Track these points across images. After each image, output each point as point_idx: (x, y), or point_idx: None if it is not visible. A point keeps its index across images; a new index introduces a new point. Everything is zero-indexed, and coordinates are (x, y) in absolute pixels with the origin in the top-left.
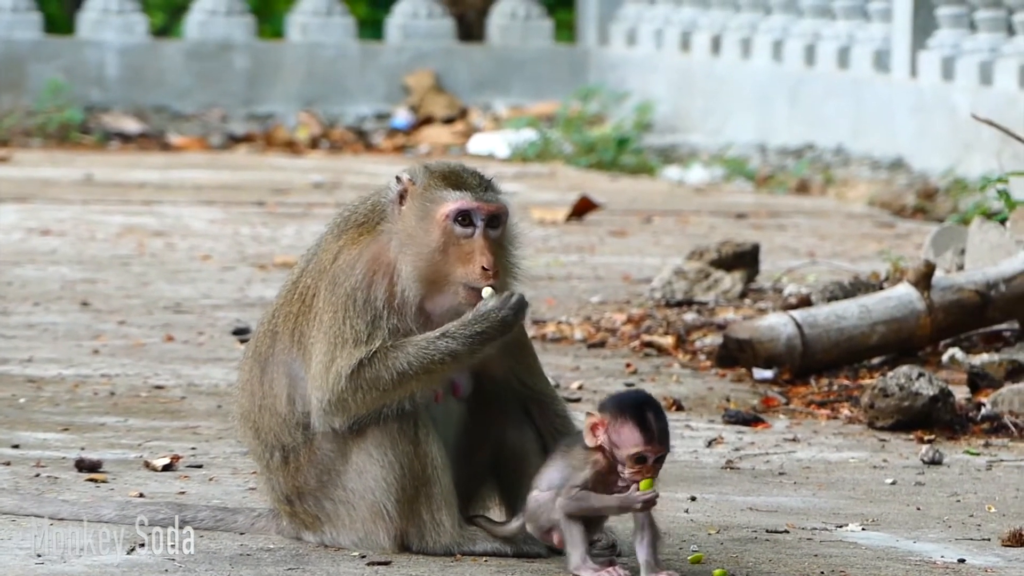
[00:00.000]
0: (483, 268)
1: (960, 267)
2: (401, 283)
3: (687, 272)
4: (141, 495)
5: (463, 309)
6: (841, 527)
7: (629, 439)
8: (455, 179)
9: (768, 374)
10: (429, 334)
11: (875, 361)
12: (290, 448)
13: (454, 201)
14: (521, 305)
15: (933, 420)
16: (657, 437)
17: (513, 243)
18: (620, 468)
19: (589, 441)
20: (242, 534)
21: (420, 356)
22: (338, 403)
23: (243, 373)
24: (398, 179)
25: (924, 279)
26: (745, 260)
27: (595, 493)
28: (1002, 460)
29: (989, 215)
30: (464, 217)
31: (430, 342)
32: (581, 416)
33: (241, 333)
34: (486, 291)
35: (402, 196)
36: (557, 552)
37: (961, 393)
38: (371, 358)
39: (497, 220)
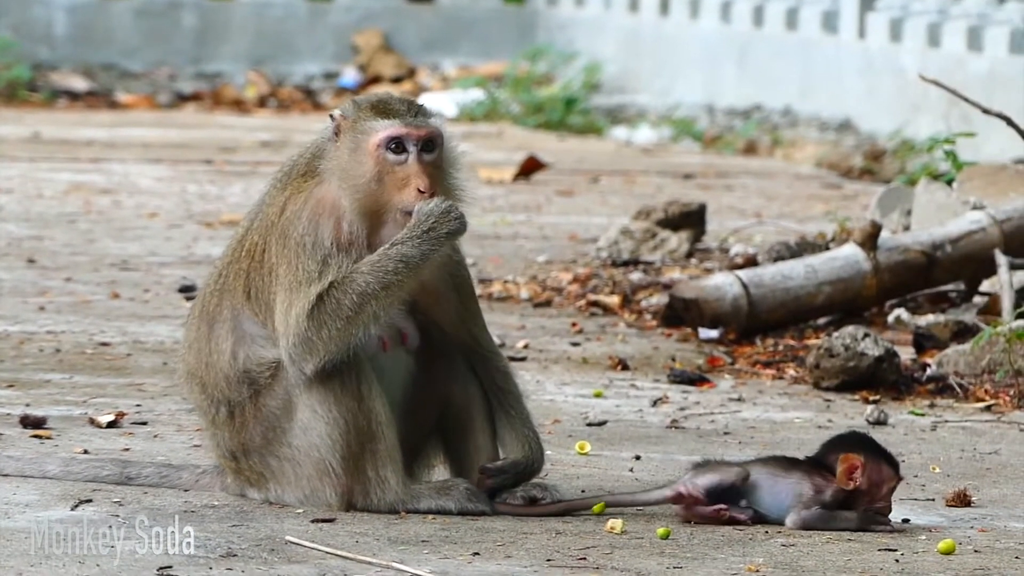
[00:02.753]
0: (418, 191)
1: (907, 228)
2: (347, 220)
3: (634, 232)
4: (86, 451)
5: None
6: None
7: (888, 475)
8: (384, 108)
9: (714, 334)
10: (380, 249)
11: (821, 321)
12: (236, 404)
13: (384, 129)
14: (456, 209)
15: (878, 380)
16: (897, 470)
17: (452, 166)
18: (866, 502)
19: (845, 484)
20: (187, 491)
21: (374, 271)
22: (304, 344)
23: (190, 330)
24: (332, 117)
25: (870, 240)
26: (692, 220)
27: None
28: (947, 421)
29: (936, 176)
30: (396, 144)
31: (381, 255)
32: (526, 375)
33: (187, 291)
34: (429, 201)
35: (337, 133)
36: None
37: (906, 354)
38: (328, 290)
39: (431, 144)
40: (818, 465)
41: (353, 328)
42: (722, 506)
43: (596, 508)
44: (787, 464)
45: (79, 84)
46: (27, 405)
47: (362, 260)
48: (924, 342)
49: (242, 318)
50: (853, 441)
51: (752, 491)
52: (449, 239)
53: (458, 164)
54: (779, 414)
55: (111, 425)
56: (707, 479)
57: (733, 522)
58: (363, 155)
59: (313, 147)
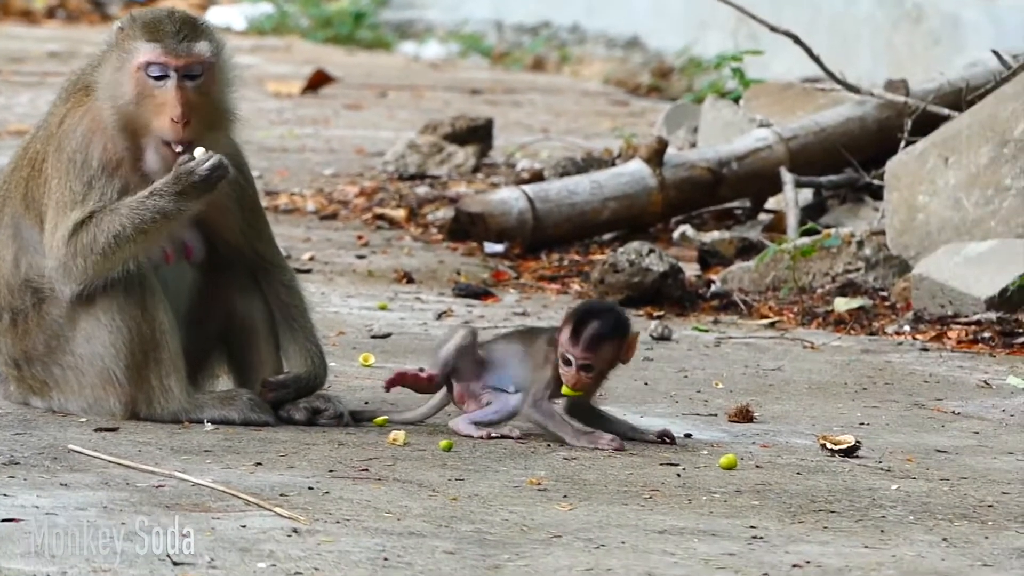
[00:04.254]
0: (172, 120)
1: (693, 145)
2: (112, 141)
3: (420, 146)
4: None
5: (170, 167)
6: None
7: (563, 338)
8: (152, 29)
9: (499, 248)
10: (140, 194)
11: (606, 237)
12: (19, 311)
13: (145, 53)
14: (217, 166)
15: (663, 296)
16: (583, 343)
17: (223, 88)
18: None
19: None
20: None
21: (132, 216)
22: (63, 268)
23: None
24: (115, 28)
25: (656, 156)
26: (479, 135)
27: (558, 416)
28: (731, 337)
29: (723, 94)
30: (156, 69)
31: (140, 202)
32: (311, 287)
33: None
34: (198, 150)
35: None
36: (285, 421)
37: (691, 270)
38: (85, 222)
39: (195, 72)
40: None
41: (109, 264)
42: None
43: (378, 421)
44: (529, 337)
45: None
46: None
47: (122, 200)
48: (709, 259)
49: (22, 226)
50: (576, 305)
51: (491, 370)
52: (203, 194)
53: (231, 86)
54: None
55: None
56: (440, 352)
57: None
58: (125, 75)
59: (95, 60)
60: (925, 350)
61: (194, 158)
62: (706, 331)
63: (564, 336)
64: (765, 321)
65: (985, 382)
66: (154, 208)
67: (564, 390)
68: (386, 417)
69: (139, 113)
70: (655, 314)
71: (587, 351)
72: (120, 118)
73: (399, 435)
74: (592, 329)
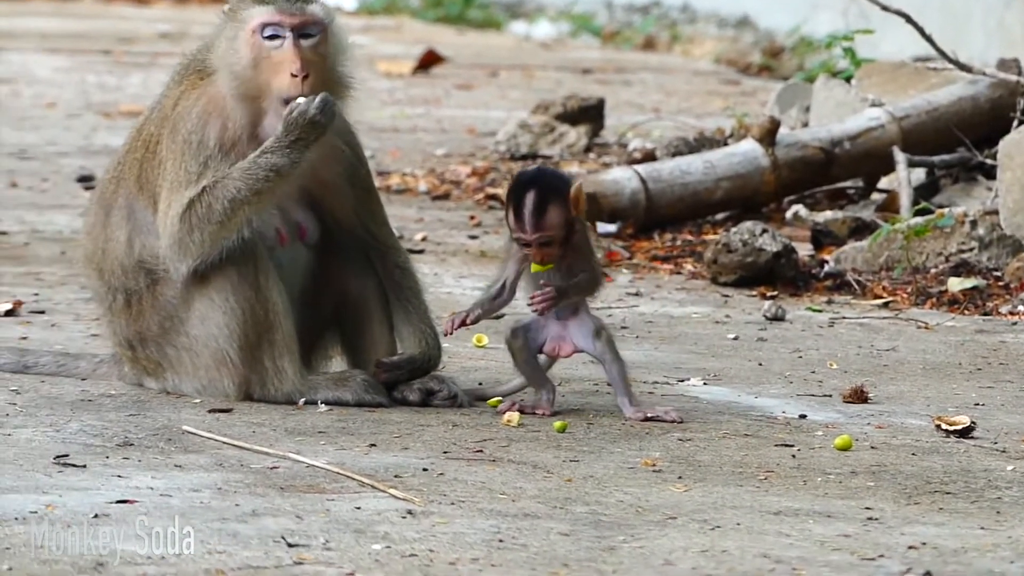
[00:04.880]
0: (292, 75)
1: (805, 124)
2: (231, 116)
3: (532, 126)
4: None
5: None
6: (683, 381)
7: (510, 224)
8: None
9: (612, 228)
10: (251, 155)
11: (719, 217)
12: (133, 292)
13: (259, 15)
14: (326, 102)
15: (776, 276)
16: (528, 222)
17: (337, 53)
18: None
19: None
20: (84, 380)
21: (245, 177)
22: (178, 246)
23: (89, 217)
24: (223, 11)
25: (769, 135)
26: (590, 115)
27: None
28: (844, 317)
29: (835, 73)
30: (271, 29)
31: (251, 162)
32: (424, 268)
33: (85, 180)
34: (301, 98)
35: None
36: (399, 402)
37: (804, 250)
38: (200, 194)
39: (308, 30)
40: None
41: (224, 232)
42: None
43: (492, 402)
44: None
45: None
46: None
47: (234, 167)
48: (822, 238)
49: (136, 208)
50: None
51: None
52: (316, 138)
53: (344, 52)
54: (677, 309)
55: (8, 314)
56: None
57: None
58: (241, 42)
59: (207, 43)
60: None
61: (299, 104)
62: (819, 311)
63: (510, 221)
64: (879, 301)
65: None
66: (266, 165)
67: (533, 267)
68: (500, 398)
69: (257, 76)
70: (768, 294)
71: (536, 227)
72: (239, 85)
73: (513, 416)
74: (530, 202)
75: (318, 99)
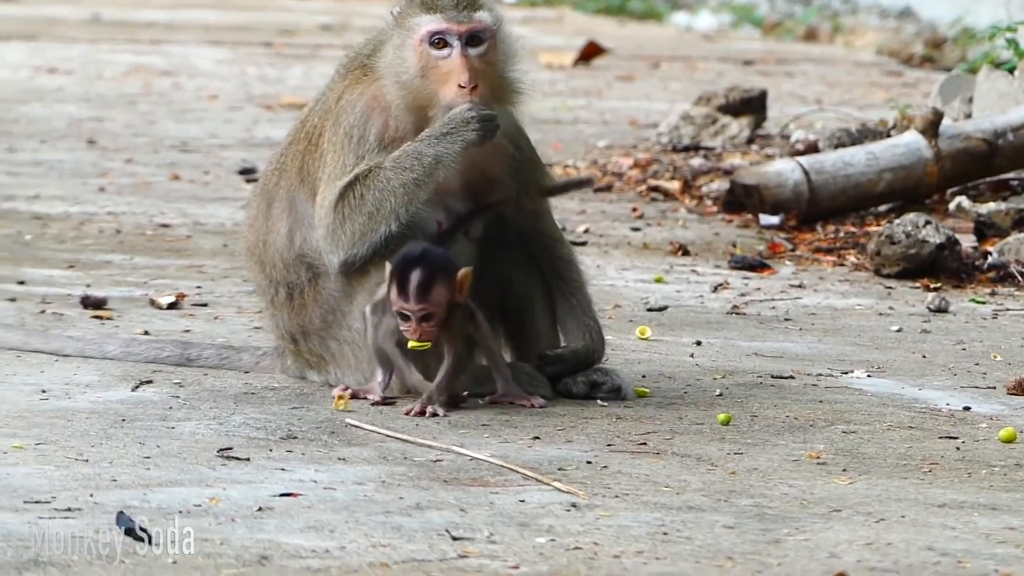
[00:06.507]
0: (459, 86)
1: (968, 116)
2: (394, 118)
3: (694, 117)
4: (146, 333)
5: None
6: (846, 373)
7: (393, 296)
8: (431, 2)
9: (774, 220)
10: (401, 147)
11: (882, 208)
12: (295, 285)
13: (427, 24)
14: (487, 121)
15: (939, 268)
16: (413, 294)
17: (506, 59)
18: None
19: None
20: (247, 372)
21: (395, 168)
22: (331, 236)
23: (251, 209)
24: (391, 14)
25: (932, 127)
26: (752, 106)
27: (402, 360)
28: (1008, 309)
29: (997, 64)
30: (439, 39)
31: (402, 152)
32: (587, 260)
33: (247, 173)
34: (464, 104)
35: (392, 30)
36: (563, 395)
37: (968, 242)
38: (351, 183)
39: (476, 38)
40: None
41: (374, 223)
42: None
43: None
44: None
45: None
46: (87, 286)
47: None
48: (985, 230)
49: (297, 200)
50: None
51: None
52: (468, 144)
53: (513, 57)
54: (840, 300)
55: (171, 306)
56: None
57: None
58: (408, 51)
59: (373, 42)
60: None
61: (462, 109)
62: (983, 303)
63: (393, 294)
64: None
65: None
66: (415, 154)
67: (411, 344)
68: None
69: (425, 86)
70: (931, 286)
71: (419, 301)
72: (406, 95)
73: (344, 397)
74: (417, 278)
75: (481, 116)
